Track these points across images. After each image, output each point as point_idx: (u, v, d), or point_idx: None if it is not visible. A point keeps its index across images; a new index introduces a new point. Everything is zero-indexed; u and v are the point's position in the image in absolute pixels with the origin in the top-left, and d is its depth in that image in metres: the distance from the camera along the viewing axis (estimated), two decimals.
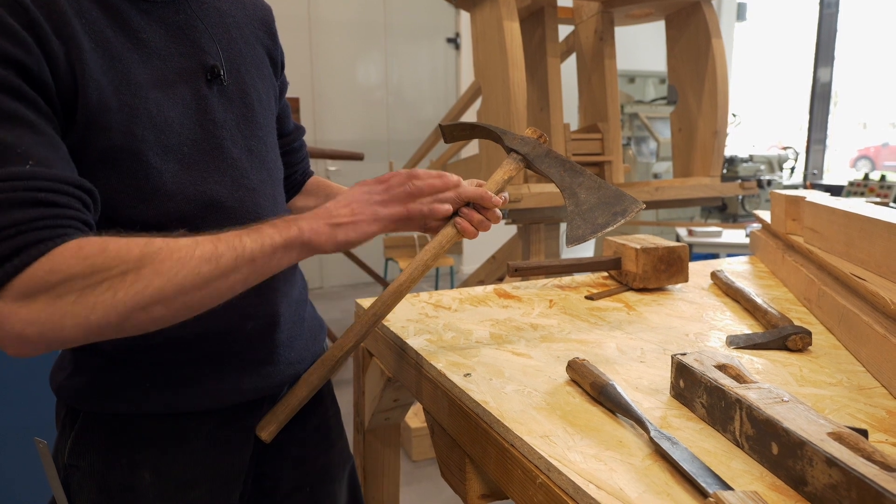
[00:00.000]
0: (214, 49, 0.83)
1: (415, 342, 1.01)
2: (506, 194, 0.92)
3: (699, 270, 1.49)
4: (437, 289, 4.32)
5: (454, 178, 0.84)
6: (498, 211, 0.89)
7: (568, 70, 2.62)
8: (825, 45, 5.43)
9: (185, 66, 0.80)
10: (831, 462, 0.53)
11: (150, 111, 0.74)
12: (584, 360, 0.84)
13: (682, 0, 2.37)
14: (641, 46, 5.24)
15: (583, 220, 0.89)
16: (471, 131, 1.04)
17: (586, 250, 5.81)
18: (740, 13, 6.40)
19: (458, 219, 0.87)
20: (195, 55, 0.81)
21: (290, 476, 0.96)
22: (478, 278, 2.97)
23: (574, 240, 0.87)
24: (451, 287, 4.91)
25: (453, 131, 1.03)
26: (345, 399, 1.56)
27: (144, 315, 0.64)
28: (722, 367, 0.75)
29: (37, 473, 1.73)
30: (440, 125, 1.04)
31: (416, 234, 4.54)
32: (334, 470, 1.02)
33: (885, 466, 0.53)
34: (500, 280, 2.78)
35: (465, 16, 5.12)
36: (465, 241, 5.07)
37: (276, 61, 0.97)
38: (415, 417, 2.72)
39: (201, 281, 0.66)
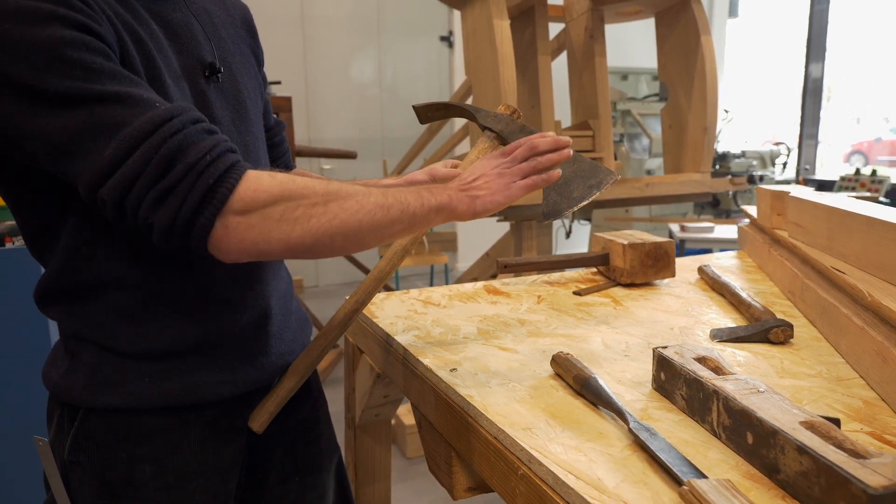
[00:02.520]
0: (209, 47, 0.85)
1: (402, 338, 1.02)
2: None
3: (687, 265, 1.51)
4: (431, 286, 4.31)
5: (565, 139, 0.86)
6: None
7: (559, 67, 2.63)
8: (816, 40, 5.45)
9: (185, 63, 0.82)
10: (802, 450, 0.55)
11: (172, 100, 0.76)
12: (568, 354, 0.85)
13: None
14: (634, 43, 5.25)
15: (558, 194, 0.90)
16: (445, 111, 1.05)
17: (580, 246, 5.83)
18: (732, 9, 6.42)
19: None
20: (194, 52, 0.83)
21: (281, 465, 0.98)
22: (471, 275, 2.98)
23: (549, 214, 0.88)
24: (446, 284, 4.91)
25: (427, 111, 1.04)
26: (337, 397, 1.57)
27: (329, 242, 0.71)
28: (701, 360, 0.76)
29: (30, 471, 1.75)
30: (413, 106, 1.04)
31: None
32: (323, 460, 1.04)
33: (854, 453, 0.54)
34: (494, 277, 2.79)
35: (458, 14, 5.12)
36: (460, 239, 5.08)
37: (258, 58, 1.00)
38: (409, 415, 2.73)
39: (375, 224, 0.73)
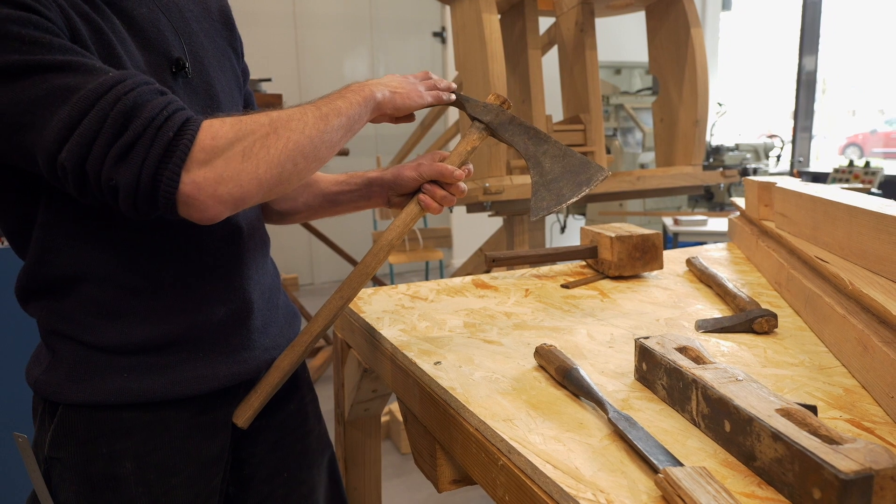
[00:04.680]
0: (178, 42, 0.84)
1: (388, 332, 1.02)
2: (470, 166, 0.92)
3: (676, 258, 1.51)
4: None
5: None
6: (462, 184, 0.89)
7: (550, 62, 2.63)
8: (810, 33, 5.45)
9: (150, 59, 0.81)
10: (777, 437, 0.55)
11: None
12: (551, 346, 0.85)
13: None
14: (628, 37, 5.24)
15: (547, 190, 0.89)
16: None
17: (576, 241, 5.83)
18: (725, 3, 6.41)
19: (421, 195, 0.88)
20: (159, 48, 0.82)
21: (268, 461, 0.98)
22: (465, 271, 2.98)
23: (538, 211, 0.87)
24: None
25: None
26: (329, 393, 1.58)
27: (293, 167, 0.73)
28: (682, 350, 0.76)
29: (16, 469, 1.75)
30: None
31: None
32: (312, 455, 1.03)
33: (828, 440, 0.54)
34: (488, 272, 2.78)
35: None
36: (454, 235, 5.08)
37: (237, 51, 0.98)
38: None
39: (321, 134, 0.76)
